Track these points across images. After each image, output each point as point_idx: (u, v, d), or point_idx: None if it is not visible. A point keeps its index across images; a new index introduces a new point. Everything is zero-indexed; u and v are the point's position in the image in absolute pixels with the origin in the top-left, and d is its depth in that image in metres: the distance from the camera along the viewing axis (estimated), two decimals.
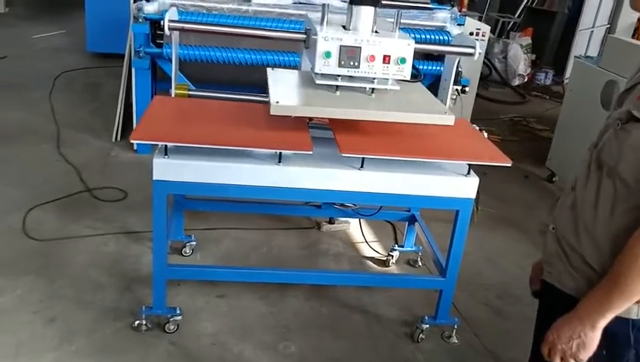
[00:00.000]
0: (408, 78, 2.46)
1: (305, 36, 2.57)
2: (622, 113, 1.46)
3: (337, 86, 2.50)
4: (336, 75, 2.44)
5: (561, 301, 1.56)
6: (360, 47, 2.36)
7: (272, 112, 2.34)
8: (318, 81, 2.47)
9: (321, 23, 2.42)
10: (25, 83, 6.06)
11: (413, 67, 2.67)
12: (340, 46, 2.35)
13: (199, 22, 4.04)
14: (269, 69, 2.85)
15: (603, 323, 1.42)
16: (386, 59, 2.39)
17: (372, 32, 2.44)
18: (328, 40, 2.34)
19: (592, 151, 1.55)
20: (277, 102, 2.36)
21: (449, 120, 2.46)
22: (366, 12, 2.42)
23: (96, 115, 5.44)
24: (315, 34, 2.39)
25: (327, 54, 2.35)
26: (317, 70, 2.39)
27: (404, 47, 2.40)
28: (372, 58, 2.37)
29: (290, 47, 4.36)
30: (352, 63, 2.38)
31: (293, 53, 4.35)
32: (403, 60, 2.40)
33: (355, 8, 2.43)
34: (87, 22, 6.96)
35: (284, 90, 2.58)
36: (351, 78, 2.48)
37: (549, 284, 1.63)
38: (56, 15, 9.35)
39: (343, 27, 2.46)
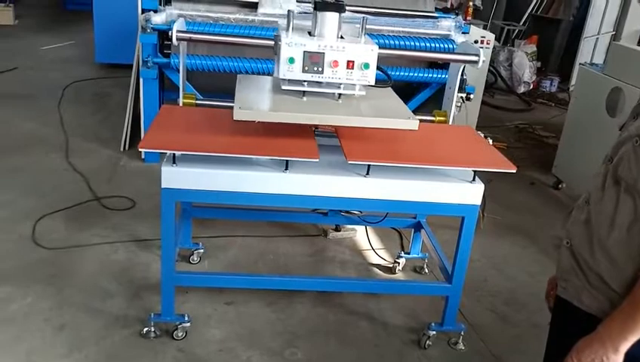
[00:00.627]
0: (372, 84, 2.48)
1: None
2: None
3: (304, 91, 2.53)
4: (302, 81, 2.47)
5: (578, 318, 1.54)
6: (323, 53, 2.39)
7: (235, 117, 2.36)
8: (284, 87, 2.50)
9: (287, 29, 2.45)
10: (34, 93, 6.14)
11: (384, 72, 2.69)
12: (304, 52, 2.38)
13: (206, 32, 4.09)
14: (239, 75, 2.88)
15: (626, 346, 1.39)
16: (350, 64, 2.41)
17: (337, 37, 2.47)
18: (292, 46, 2.37)
19: (607, 165, 1.51)
20: (240, 107, 2.39)
21: (413, 124, 2.49)
22: (331, 18, 2.45)
23: (105, 124, 5.50)
24: (280, 40, 2.42)
25: (291, 60, 2.38)
26: (281, 75, 2.42)
27: (368, 53, 2.42)
28: (335, 63, 2.40)
29: None
30: (315, 69, 2.40)
31: None
32: (366, 66, 2.42)
33: (319, 14, 2.46)
34: (96, 33, 7.05)
35: (250, 96, 2.60)
36: (319, 83, 2.51)
37: (564, 300, 1.60)
38: (65, 27, 9.46)
39: (309, 33, 2.49)
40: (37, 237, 3.54)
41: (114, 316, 2.94)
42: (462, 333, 2.97)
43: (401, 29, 4.64)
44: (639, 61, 4.28)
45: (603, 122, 4.46)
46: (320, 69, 2.41)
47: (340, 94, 2.56)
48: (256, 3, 4.48)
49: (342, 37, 2.50)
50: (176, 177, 2.49)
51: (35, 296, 3.02)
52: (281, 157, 2.52)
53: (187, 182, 2.51)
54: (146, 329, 2.81)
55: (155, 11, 4.38)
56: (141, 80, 4.57)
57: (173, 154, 2.47)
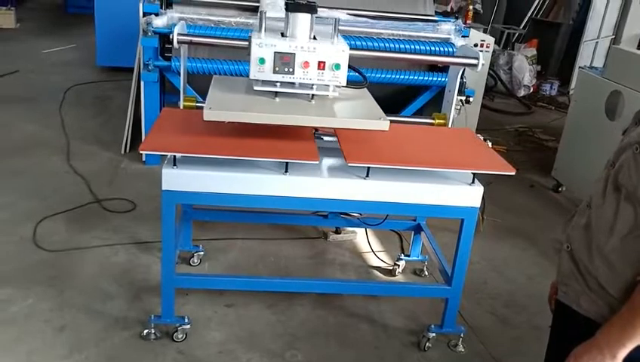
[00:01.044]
0: (344, 84, 2.48)
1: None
2: None
3: (276, 92, 2.53)
4: (275, 82, 2.47)
5: (577, 322, 1.54)
6: (294, 54, 2.40)
7: (204, 118, 2.36)
8: (256, 88, 2.50)
9: (259, 30, 2.46)
10: (36, 96, 6.16)
11: (360, 73, 2.68)
12: (275, 52, 2.38)
13: (207, 35, 4.11)
14: (215, 76, 2.89)
15: (624, 353, 1.39)
16: (321, 65, 2.42)
17: (310, 38, 2.47)
18: (262, 46, 2.38)
19: (609, 170, 1.51)
20: (210, 107, 2.39)
21: (384, 125, 2.47)
22: (303, 19, 2.45)
23: (106, 127, 5.51)
24: (251, 41, 2.42)
25: (261, 60, 2.38)
26: (252, 76, 2.43)
27: (339, 54, 2.42)
28: (306, 64, 2.40)
29: None
30: (286, 70, 2.41)
31: None
32: (337, 66, 2.42)
33: (291, 15, 2.46)
34: (97, 36, 7.07)
35: (222, 96, 2.61)
36: (292, 84, 2.51)
37: (564, 304, 1.60)
38: (66, 30, 9.48)
39: (282, 34, 2.49)
40: (38, 239, 3.55)
41: (114, 318, 2.95)
42: (462, 335, 2.98)
43: (401, 32, 4.66)
44: (639, 65, 4.29)
45: (602, 125, 4.48)
46: (291, 70, 2.41)
47: (312, 95, 2.56)
48: (257, 6, 4.49)
49: (315, 38, 2.50)
50: (176, 179, 2.50)
51: (35, 297, 3.03)
52: (281, 159, 2.53)
53: (187, 184, 2.52)
54: (146, 331, 2.82)
55: (157, 15, 4.40)
56: (142, 83, 4.58)
57: (174, 156, 2.48)
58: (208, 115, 2.37)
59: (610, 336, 1.40)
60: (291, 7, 2.45)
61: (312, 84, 2.50)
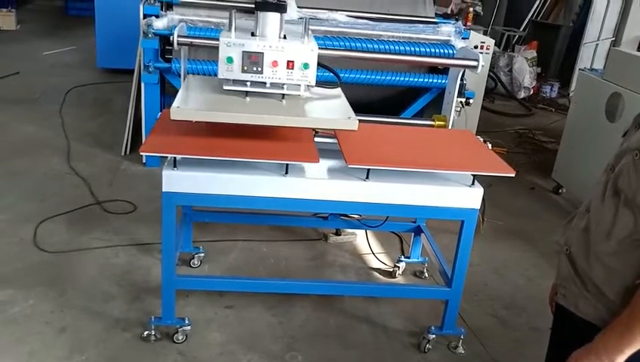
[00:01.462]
0: (313, 84, 2.47)
1: None
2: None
3: (247, 92, 2.52)
4: (244, 81, 2.46)
5: (576, 325, 1.54)
6: (263, 53, 2.38)
7: (171, 117, 2.35)
8: (225, 87, 2.49)
9: (229, 29, 2.46)
10: (36, 98, 6.18)
11: (333, 72, 2.67)
12: (243, 52, 2.37)
13: (207, 37, 4.11)
14: (188, 76, 2.88)
15: (622, 359, 1.38)
16: (290, 64, 2.41)
17: (279, 37, 2.46)
18: (230, 45, 2.37)
19: (609, 173, 1.50)
20: (178, 106, 2.38)
21: (352, 125, 2.44)
22: (272, 18, 2.44)
23: (106, 129, 5.52)
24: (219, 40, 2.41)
25: (229, 60, 2.37)
26: (220, 75, 2.42)
27: (308, 53, 2.41)
28: (275, 63, 2.39)
29: None
30: (255, 69, 2.40)
31: None
32: (306, 66, 2.41)
33: (261, 14, 2.45)
34: (97, 38, 7.09)
35: (192, 96, 2.59)
36: (262, 84, 2.50)
37: (564, 307, 1.60)
38: (66, 32, 9.50)
39: (253, 33, 2.48)
40: (38, 241, 3.55)
41: (115, 319, 2.95)
42: (462, 337, 2.98)
43: (401, 34, 4.66)
44: (638, 66, 4.29)
45: (602, 127, 4.48)
46: (259, 69, 2.40)
47: (283, 95, 2.54)
48: None
49: (285, 37, 2.49)
50: (176, 181, 2.50)
51: (36, 298, 3.03)
52: (281, 160, 2.53)
53: (188, 185, 2.52)
54: (146, 332, 2.82)
55: (157, 16, 4.41)
56: (142, 85, 4.59)
57: (174, 158, 2.49)
58: (175, 113, 2.35)
59: (608, 342, 1.40)
60: (260, 6, 2.44)
61: (283, 84, 2.49)
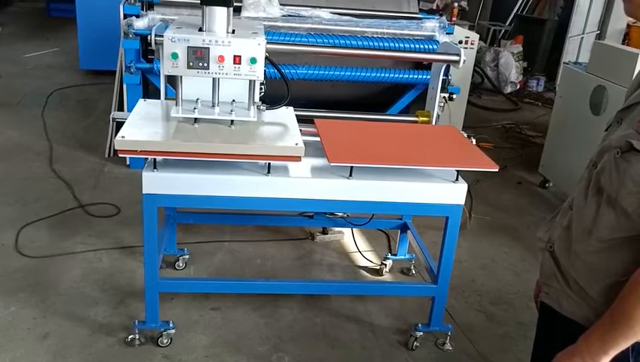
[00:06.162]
0: (261, 79, 2.43)
1: None
2: (621, 141, 1.37)
3: (196, 118, 2.49)
4: (193, 109, 2.44)
5: (560, 323, 1.52)
6: (208, 48, 2.33)
7: (116, 147, 2.32)
8: (173, 115, 2.45)
9: (176, 25, 2.41)
10: (18, 101, 6.09)
11: (279, 70, 2.61)
12: (188, 47, 2.32)
13: None
14: (140, 100, 2.83)
15: (605, 360, 1.35)
16: (237, 59, 2.35)
17: (227, 32, 2.41)
18: (175, 41, 2.31)
19: (592, 170, 1.47)
20: (123, 136, 2.34)
21: (298, 151, 2.42)
22: (219, 12, 2.38)
23: (89, 131, 5.46)
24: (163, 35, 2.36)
25: (174, 55, 2.32)
26: (165, 72, 2.37)
27: (255, 47, 2.36)
28: (221, 58, 2.34)
29: (281, 59, 4.39)
30: (200, 64, 2.34)
31: (284, 65, 4.37)
32: (254, 60, 2.36)
33: (207, 9, 2.38)
34: (80, 39, 6.99)
35: (139, 124, 2.52)
36: (212, 109, 2.48)
37: (547, 305, 1.58)
38: (48, 34, 9.38)
39: (200, 29, 2.43)
40: (20, 246, 3.50)
41: (98, 324, 2.91)
42: (449, 333, 2.96)
43: (385, 30, 4.64)
44: (622, 59, 4.30)
45: (587, 120, 4.49)
46: (205, 65, 2.34)
47: (232, 121, 2.50)
48: (239, 7, 4.46)
49: (233, 32, 2.44)
50: (157, 182, 2.47)
51: (18, 304, 2.98)
52: (263, 160, 2.50)
53: (168, 187, 2.49)
54: (130, 336, 2.79)
55: (138, 16, 4.35)
56: (125, 85, 4.54)
57: (154, 159, 2.45)
58: (119, 143, 2.31)
59: (591, 344, 1.37)
60: (206, 0, 2.38)
61: (231, 110, 2.47)
